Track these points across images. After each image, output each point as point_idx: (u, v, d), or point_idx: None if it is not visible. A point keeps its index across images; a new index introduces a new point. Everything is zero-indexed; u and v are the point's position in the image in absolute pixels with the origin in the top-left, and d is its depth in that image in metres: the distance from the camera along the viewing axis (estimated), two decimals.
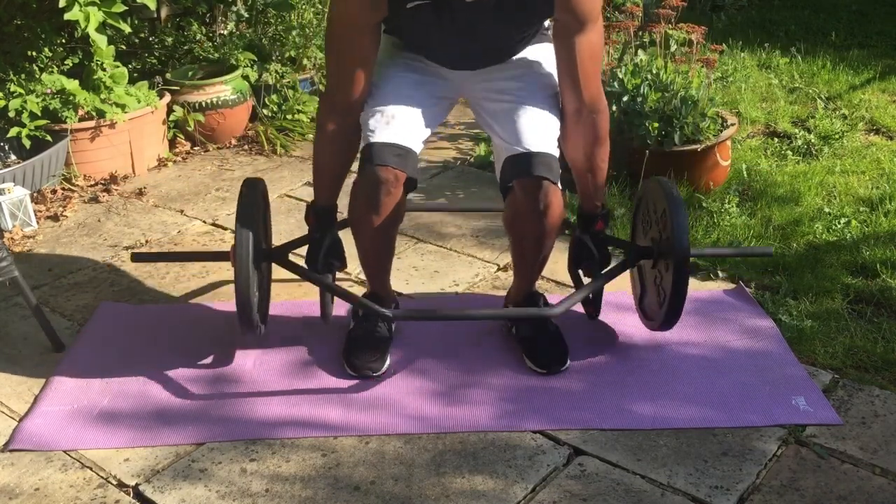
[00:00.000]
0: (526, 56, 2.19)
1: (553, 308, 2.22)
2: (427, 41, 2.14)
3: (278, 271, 2.47)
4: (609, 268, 2.33)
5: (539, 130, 2.10)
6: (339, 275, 2.81)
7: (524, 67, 2.19)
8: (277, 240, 3.02)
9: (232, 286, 2.76)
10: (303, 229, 3.17)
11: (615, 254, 2.65)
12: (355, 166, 2.18)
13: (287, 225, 3.17)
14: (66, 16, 3.06)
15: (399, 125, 2.10)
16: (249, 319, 2.13)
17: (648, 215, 2.36)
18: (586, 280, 2.36)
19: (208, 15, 4.48)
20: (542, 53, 2.20)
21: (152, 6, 3.47)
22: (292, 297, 2.69)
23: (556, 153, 2.12)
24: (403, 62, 2.19)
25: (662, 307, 2.25)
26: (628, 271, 2.45)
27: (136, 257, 2.44)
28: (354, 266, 2.81)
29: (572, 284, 2.38)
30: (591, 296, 2.36)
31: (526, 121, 2.11)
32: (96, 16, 3.10)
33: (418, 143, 2.14)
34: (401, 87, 2.15)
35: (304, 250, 2.34)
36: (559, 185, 2.11)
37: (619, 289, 2.67)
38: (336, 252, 2.28)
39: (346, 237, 2.40)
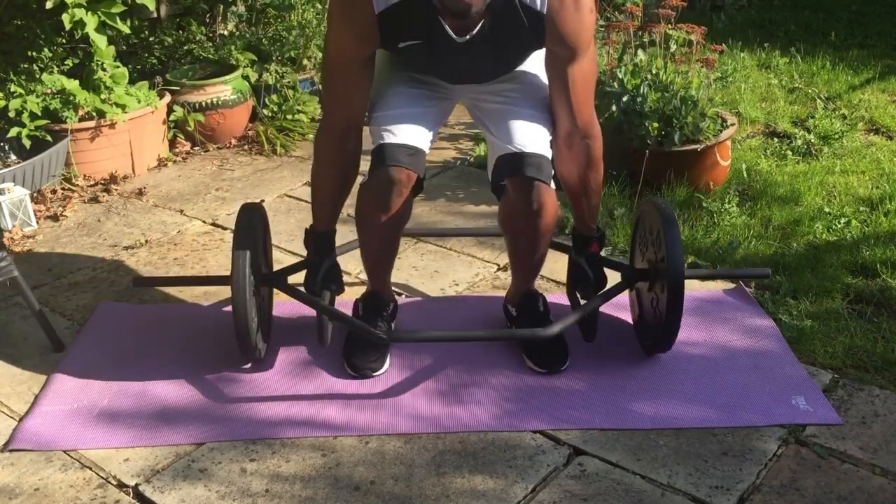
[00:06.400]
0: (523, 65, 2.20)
1: (547, 329, 2.20)
2: (423, 69, 2.16)
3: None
4: (606, 289, 2.33)
5: (532, 132, 2.11)
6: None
7: (520, 72, 2.20)
8: (277, 239, 3.02)
9: None
10: (303, 229, 3.19)
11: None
12: (353, 196, 2.19)
13: (287, 225, 3.17)
14: (66, 21, 3.06)
15: (408, 127, 2.11)
16: (248, 345, 2.18)
17: (645, 237, 2.36)
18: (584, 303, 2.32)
19: (208, 15, 4.49)
20: (538, 63, 2.19)
21: (151, 6, 3.47)
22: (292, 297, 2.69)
23: (549, 154, 2.13)
24: (403, 70, 2.20)
25: (659, 329, 2.24)
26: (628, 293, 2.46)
27: (137, 283, 2.47)
28: (355, 266, 2.81)
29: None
30: (586, 317, 2.28)
31: (519, 122, 2.12)
32: (92, 21, 3.11)
33: (426, 144, 2.15)
34: (404, 92, 2.16)
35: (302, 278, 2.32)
36: (552, 184, 2.11)
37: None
38: (333, 276, 2.27)
39: (345, 263, 2.42)
